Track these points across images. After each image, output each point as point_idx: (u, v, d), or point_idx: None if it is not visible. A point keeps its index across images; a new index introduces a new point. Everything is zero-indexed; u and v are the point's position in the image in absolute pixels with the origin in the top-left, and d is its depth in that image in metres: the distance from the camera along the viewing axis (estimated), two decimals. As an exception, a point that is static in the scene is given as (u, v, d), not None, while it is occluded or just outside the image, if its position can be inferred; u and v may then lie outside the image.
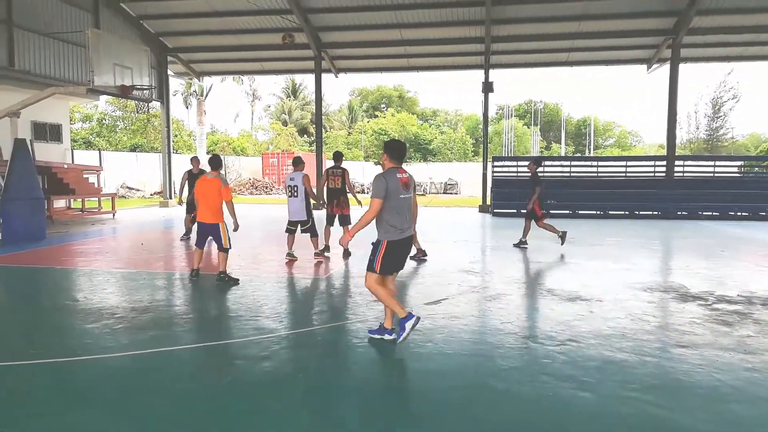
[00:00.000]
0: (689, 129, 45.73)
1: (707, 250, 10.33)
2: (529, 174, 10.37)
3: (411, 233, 4.73)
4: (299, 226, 8.80)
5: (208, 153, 33.28)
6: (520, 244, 10.33)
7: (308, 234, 8.89)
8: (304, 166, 8.78)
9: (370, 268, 4.60)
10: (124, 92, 12.22)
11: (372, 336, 4.79)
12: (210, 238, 7.29)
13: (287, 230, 8.90)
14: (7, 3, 14.10)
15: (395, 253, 4.58)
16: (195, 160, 11.19)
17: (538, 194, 10.07)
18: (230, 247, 7.16)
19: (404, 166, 4.74)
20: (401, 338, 4.54)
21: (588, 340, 4.75)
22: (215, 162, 7.22)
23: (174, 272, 8.07)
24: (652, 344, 4.67)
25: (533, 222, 10.31)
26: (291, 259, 8.69)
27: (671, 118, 18.46)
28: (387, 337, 4.70)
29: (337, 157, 9.30)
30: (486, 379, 3.95)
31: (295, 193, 8.60)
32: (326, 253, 9.17)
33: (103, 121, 37.78)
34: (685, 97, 58.47)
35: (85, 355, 4.38)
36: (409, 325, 4.49)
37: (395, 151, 4.57)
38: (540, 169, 10.31)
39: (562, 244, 10.12)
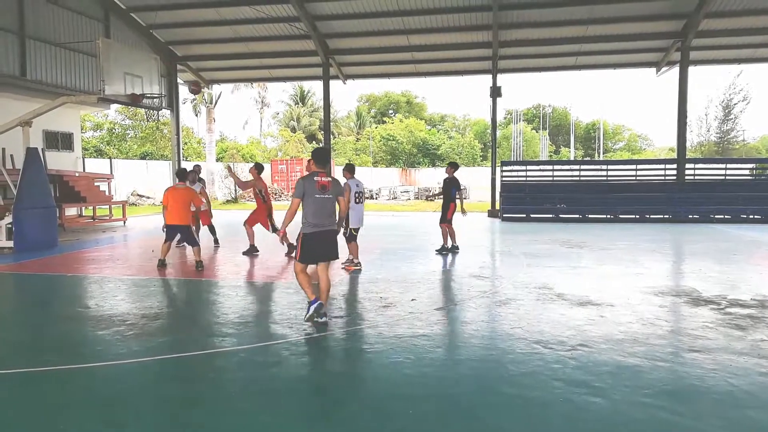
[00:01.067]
0: (700, 132, 45.48)
1: (719, 253, 10.22)
2: (447, 177, 10.33)
3: (330, 228, 5.32)
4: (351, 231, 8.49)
5: (217, 160, 33.55)
6: (453, 249, 10.22)
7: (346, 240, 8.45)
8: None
9: (295, 257, 5.39)
10: (134, 100, 12.36)
11: (308, 315, 5.21)
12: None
13: (352, 237, 8.49)
14: (20, 14, 14.33)
15: (312, 244, 5.22)
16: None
17: (461, 196, 10.25)
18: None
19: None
20: (306, 316, 5.23)
21: (599, 345, 4.71)
22: (183, 175, 8.89)
23: (184, 279, 8.11)
24: (665, 349, 4.62)
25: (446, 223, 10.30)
26: (357, 267, 8.44)
27: (681, 120, 18.32)
28: (312, 307, 5.19)
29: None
30: (496, 385, 3.92)
31: (361, 200, 8.41)
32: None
33: (114, 129, 38.17)
34: (695, 100, 58.01)
35: (96, 362, 4.41)
36: (312, 307, 5.16)
37: (316, 157, 5.39)
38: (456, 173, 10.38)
39: (446, 251, 10.13)
